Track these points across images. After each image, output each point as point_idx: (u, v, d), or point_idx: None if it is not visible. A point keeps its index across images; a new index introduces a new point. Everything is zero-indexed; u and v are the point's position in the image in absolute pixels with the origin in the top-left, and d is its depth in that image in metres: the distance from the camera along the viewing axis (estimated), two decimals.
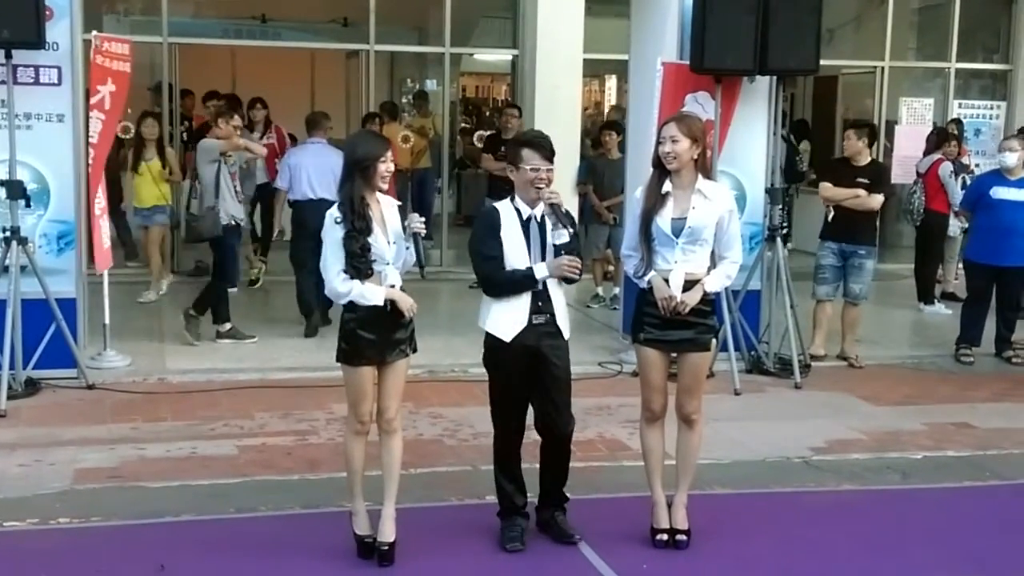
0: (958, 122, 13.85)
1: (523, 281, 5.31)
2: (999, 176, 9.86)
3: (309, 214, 9.57)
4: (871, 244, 9.54)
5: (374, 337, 5.19)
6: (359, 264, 5.09)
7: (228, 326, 9.57)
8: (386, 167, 5.17)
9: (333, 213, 5.16)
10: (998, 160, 10.04)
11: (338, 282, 5.13)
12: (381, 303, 5.14)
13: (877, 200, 9.37)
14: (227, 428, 7.31)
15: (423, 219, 5.29)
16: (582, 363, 8.58)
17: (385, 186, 5.21)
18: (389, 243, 5.18)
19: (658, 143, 5.45)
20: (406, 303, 5.19)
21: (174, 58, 13.32)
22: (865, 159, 9.52)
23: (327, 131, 10.41)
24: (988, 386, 9.05)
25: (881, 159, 13.93)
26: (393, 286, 5.21)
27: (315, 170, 9.92)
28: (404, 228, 5.26)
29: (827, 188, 9.59)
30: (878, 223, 9.78)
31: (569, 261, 5.25)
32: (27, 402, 7.71)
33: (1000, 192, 9.75)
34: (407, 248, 5.27)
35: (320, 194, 9.80)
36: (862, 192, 9.32)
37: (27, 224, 7.98)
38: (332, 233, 5.13)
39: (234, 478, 6.42)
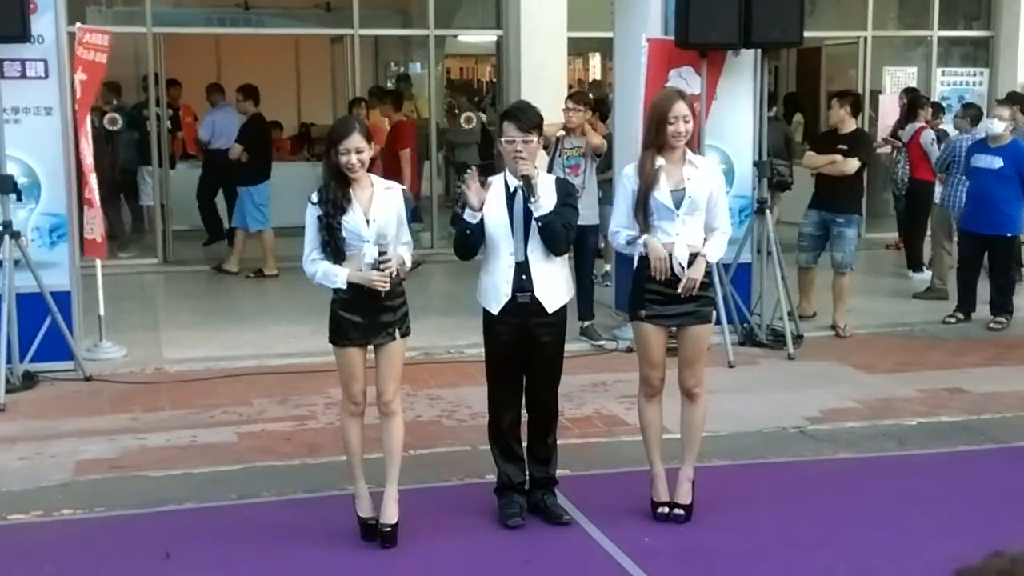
0: (912, 90, 13.85)
1: (461, 231, 5.41)
2: (982, 144, 9.93)
3: (220, 159, 12.64)
4: (850, 212, 9.59)
5: (358, 319, 5.22)
6: (330, 247, 5.16)
7: (587, 323, 9.19)
8: (357, 155, 5.11)
9: (312, 195, 5.24)
10: (986, 127, 10.10)
11: (307, 263, 5.26)
12: (343, 286, 5.17)
13: (852, 164, 9.43)
14: (226, 415, 7.34)
15: (385, 257, 5.13)
16: (576, 340, 8.65)
17: (354, 174, 5.15)
18: (368, 222, 5.17)
19: (665, 123, 5.40)
20: (369, 279, 5.12)
21: (159, 48, 13.28)
22: (849, 127, 9.63)
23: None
24: (979, 351, 9.11)
25: (867, 129, 14.00)
26: (374, 264, 5.15)
27: (229, 126, 12.56)
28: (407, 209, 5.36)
29: (809, 156, 9.89)
30: (860, 192, 9.82)
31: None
32: (25, 395, 7.73)
33: (976, 160, 9.83)
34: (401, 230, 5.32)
35: (226, 145, 12.50)
36: (838, 157, 9.44)
37: (19, 218, 7.98)
38: (308, 213, 5.23)
39: (235, 465, 6.46)
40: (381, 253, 5.14)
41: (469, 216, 5.34)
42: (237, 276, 12.07)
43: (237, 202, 12.41)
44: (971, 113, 11.40)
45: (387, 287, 5.15)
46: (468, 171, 5.46)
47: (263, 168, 12.18)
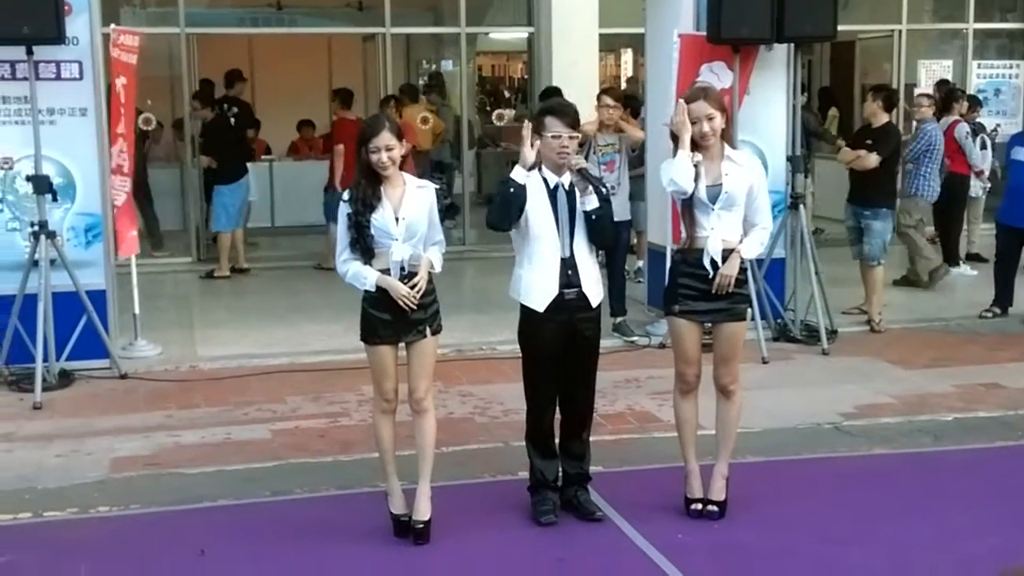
0: (945, 82, 13.78)
1: (506, 190, 5.28)
2: (1021, 137, 9.86)
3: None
4: (877, 206, 9.52)
5: (388, 317, 5.22)
6: (358, 244, 5.18)
7: (619, 319, 9.18)
8: (387, 153, 5.12)
9: (344, 192, 5.29)
10: None
11: (339, 263, 5.29)
12: (372, 288, 5.19)
13: (871, 160, 9.40)
14: (260, 413, 7.37)
15: (415, 280, 5.19)
16: (609, 336, 8.63)
17: (385, 171, 5.17)
18: (397, 220, 5.18)
19: (691, 122, 5.39)
20: (397, 292, 5.15)
21: (192, 48, 13.36)
22: (880, 121, 9.58)
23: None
24: (1017, 346, 9.02)
25: (901, 123, 13.90)
26: (402, 263, 5.18)
27: None
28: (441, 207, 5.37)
29: (843, 151, 9.92)
30: (887, 185, 9.73)
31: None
32: (62, 393, 7.78)
33: (1017, 152, 9.75)
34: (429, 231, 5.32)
35: None
36: (863, 152, 9.43)
37: (55, 218, 8.04)
38: (339, 211, 5.27)
39: (269, 462, 6.48)
40: (411, 275, 5.18)
41: (518, 174, 5.29)
42: (230, 279, 12.06)
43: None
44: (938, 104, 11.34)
45: (414, 307, 5.18)
46: (526, 123, 5.43)
47: (228, 169, 12.11)
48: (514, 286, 5.51)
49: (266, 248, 13.83)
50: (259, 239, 13.91)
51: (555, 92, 10.89)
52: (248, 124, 13.35)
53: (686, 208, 5.48)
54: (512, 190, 5.29)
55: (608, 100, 9.05)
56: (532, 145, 5.31)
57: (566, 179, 5.35)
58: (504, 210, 5.33)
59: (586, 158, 8.74)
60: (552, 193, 5.36)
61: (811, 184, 13.21)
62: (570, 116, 5.37)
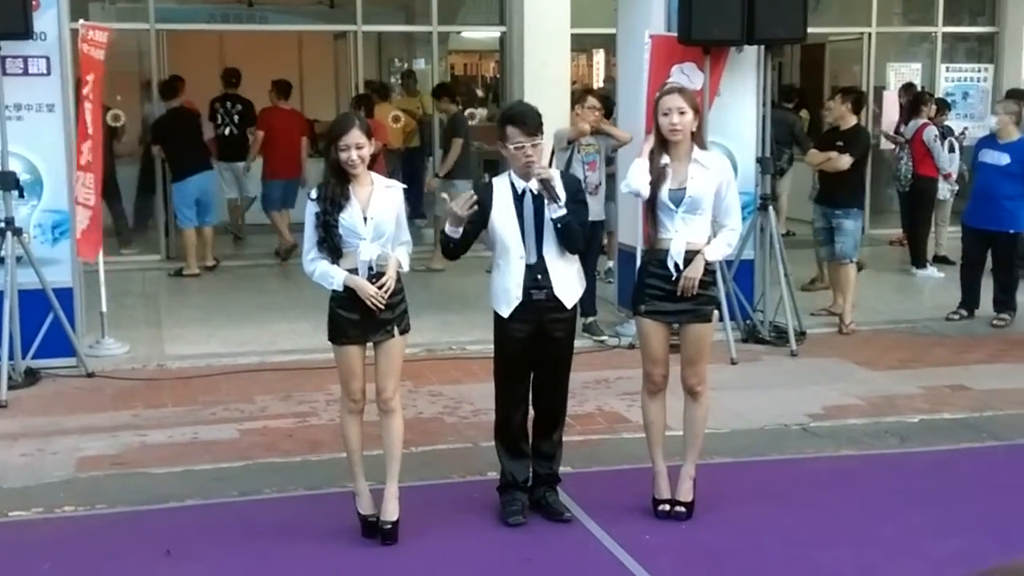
0: (910, 86, 13.89)
1: (444, 239, 5.43)
2: (990, 139, 9.96)
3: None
4: (848, 206, 9.64)
5: (356, 317, 5.21)
6: (326, 244, 5.16)
7: (589, 319, 9.13)
8: (356, 152, 5.10)
9: (311, 191, 5.26)
10: (988, 123, 10.19)
11: (306, 262, 5.27)
12: (340, 288, 5.17)
13: (843, 161, 9.51)
14: (228, 412, 7.34)
15: (383, 280, 5.18)
16: (579, 336, 8.61)
17: (354, 170, 5.16)
18: (366, 219, 5.17)
19: (661, 115, 5.42)
20: (365, 292, 5.13)
21: (161, 44, 13.28)
22: (848, 123, 9.68)
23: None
24: (983, 348, 9.10)
25: (870, 125, 13.97)
26: (370, 263, 5.16)
27: None
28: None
29: (811, 153, 10.02)
30: (858, 186, 9.81)
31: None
32: (27, 392, 7.73)
33: (984, 155, 9.86)
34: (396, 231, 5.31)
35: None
36: (833, 154, 9.57)
37: (21, 215, 7.99)
38: (307, 210, 5.24)
39: (237, 461, 6.45)
40: (379, 275, 5.16)
41: (450, 231, 5.33)
42: (199, 277, 12.00)
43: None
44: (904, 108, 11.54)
45: (382, 307, 5.16)
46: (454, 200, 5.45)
47: (177, 166, 12.04)
48: (489, 289, 5.52)
49: (235, 246, 13.78)
50: (228, 236, 13.89)
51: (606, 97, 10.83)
52: (250, 123, 13.20)
53: (650, 210, 5.49)
54: (449, 244, 5.39)
55: (593, 101, 9.08)
56: (465, 204, 5.23)
57: (533, 184, 5.32)
58: (446, 252, 5.51)
59: (570, 158, 8.78)
60: (519, 199, 5.35)
61: (788, 187, 13.30)
62: (529, 124, 5.28)
